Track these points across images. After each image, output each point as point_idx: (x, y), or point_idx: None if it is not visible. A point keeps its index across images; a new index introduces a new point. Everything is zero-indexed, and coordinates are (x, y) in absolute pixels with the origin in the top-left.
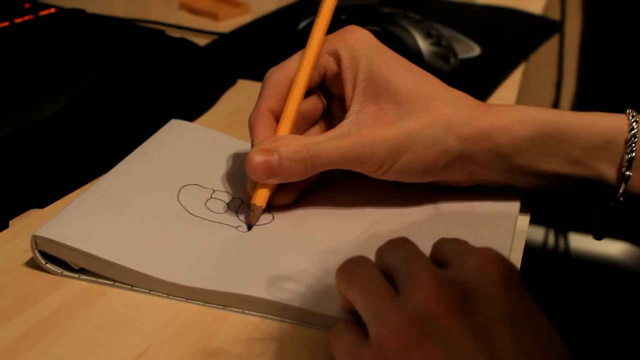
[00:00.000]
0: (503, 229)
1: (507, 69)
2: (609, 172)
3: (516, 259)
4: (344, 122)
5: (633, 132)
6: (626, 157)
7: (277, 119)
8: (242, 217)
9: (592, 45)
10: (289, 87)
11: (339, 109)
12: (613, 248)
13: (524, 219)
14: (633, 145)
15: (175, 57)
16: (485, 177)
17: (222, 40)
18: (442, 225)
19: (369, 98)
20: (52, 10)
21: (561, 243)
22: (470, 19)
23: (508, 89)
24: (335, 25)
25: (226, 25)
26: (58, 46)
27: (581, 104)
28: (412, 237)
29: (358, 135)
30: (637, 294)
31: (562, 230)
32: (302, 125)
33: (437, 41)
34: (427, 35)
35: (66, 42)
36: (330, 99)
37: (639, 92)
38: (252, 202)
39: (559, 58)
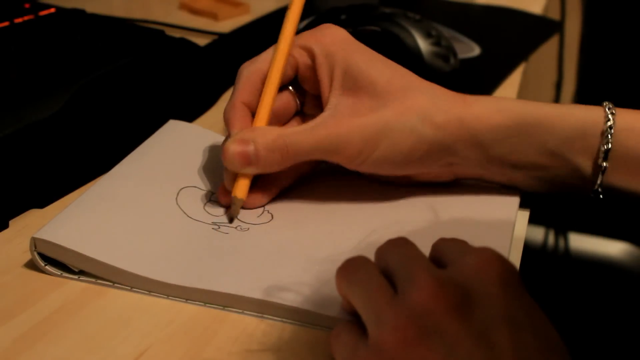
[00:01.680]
0: (502, 229)
1: (507, 69)
2: (586, 163)
3: (515, 259)
4: (321, 115)
5: (609, 123)
6: (602, 148)
7: (252, 112)
8: (241, 217)
9: (592, 45)
10: (263, 81)
11: (312, 108)
12: (613, 248)
13: (523, 219)
14: (609, 136)
15: (175, 57)
16: (464, 169)
17: (222, 40)
18: (441, 226)
19: (346, 92)
20: (52, 10)
21: (561, 243)
22: (470, 19)
23: (508, 89)
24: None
25: (226, 25)
26: (58, 46)
27: (581, 103)
28: (412, 238)
29: (333, 125)
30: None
31: (561, 230)
32: (274, 123)
33: (437, 41)
34: (427, 35)
35: (66, 42)
36: (302, 98)
37: (639, 92)
38: (232, 195)
39: (559, 58)
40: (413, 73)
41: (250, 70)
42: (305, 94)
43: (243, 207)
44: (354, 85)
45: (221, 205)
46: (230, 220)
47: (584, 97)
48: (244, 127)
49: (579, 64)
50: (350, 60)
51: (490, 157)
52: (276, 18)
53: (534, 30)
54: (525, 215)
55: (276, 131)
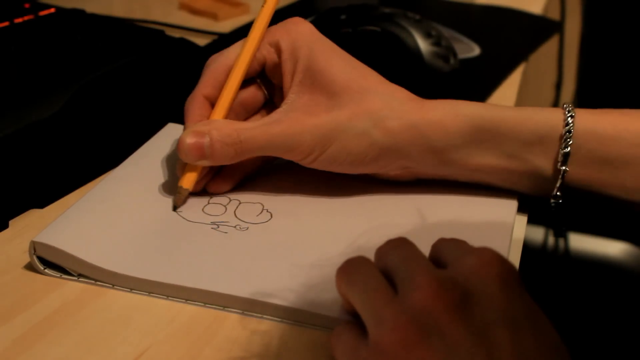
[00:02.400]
0: (500, 231)
1: (507, 69)
2: (545, 166)
3: (514, 259)
4: (276, 110)
5: (567, 127)
6: (561, 152)
7: (213, 104)
8: (240, 217)
9: (592, 45)
10: (227, 74)
11: (280, 99)
12: (613, 248)
13: (521, 223)
14: (568, 140)
15: (175, 57)
16: (422, 171)
17: (222, 40)
18: (440, 228)
19: (304, 89)
20: (52, 10)
21: (560, 243)
22: (470, 19)
23: (508, 89)
24: (335, 24)
25: (226, 25)
26: (58, 46)
27: (581, 104)
28: (412, 239)
29: (287, 123)
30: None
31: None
32: (242, 114)
33: (437, 41)
34: (427, 35)
35: (66, 42)
36: (272, 89)
37: (639, 92)
38: (179, 185)
39: (559, 58)
40: (377, 74)
41: (216, 64)
42: (274, 86)
43: (211, 193)
44: (313, 82)
45: (220, 205)
46: (174, 208)
47: (584, 97)
48: (201, 119)
49: (579, 64)
50: (313, 57)
51: (448, 161)
52: (276, 18)
53: (534, 30)
54: (522, 219)
55: (232, 125)
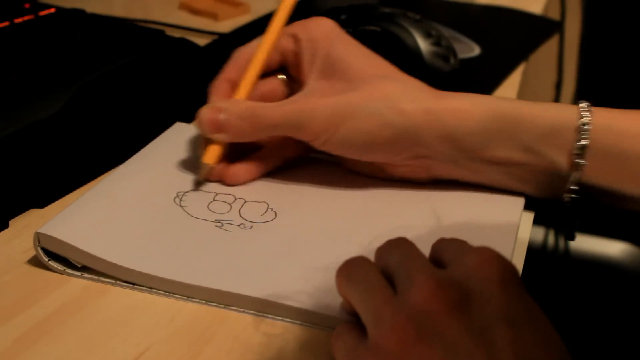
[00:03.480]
0: (505, 231)
1: (507, 69)
2: (560, 160)
3: (518, 261)
4: (295, 94)
5: (582, 120)
6: (576, 144)
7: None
8: (245, 216)
9: (592, 45)
10: (249, 61)
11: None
12: (613, 248)
13: (527, 222)
14: (584, 133)
15: (175, 57)
16: (437, 166)
17: (222, 40)
18: (445, 228)
19: (322, 76)
20: (52, 10)
21: (561, 243)
22: (470, 19)
23: (508, 89)
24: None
25: (226, 25)
26: (58, 46)
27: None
28: (415, 241)
29: (301, 102)
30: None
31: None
32: None
33: (437, 41)
34: (427, 35)
35: (66, 42)
36: (292, 85)
37: (639, 92)
38: (201, 160)
39: (559, 58)
40: (393, 66)
41: (240, 52)
42: (295, 82)
43: (227, 184)
44: (331, 70)
45: (225, 203)
46: (196, 184)
47: (584, 97)
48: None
49: (579, 64)
50: (332, 47)
51: (463, 151)
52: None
53: (534, 30)
54: (529, 217)
55: (248, 103)
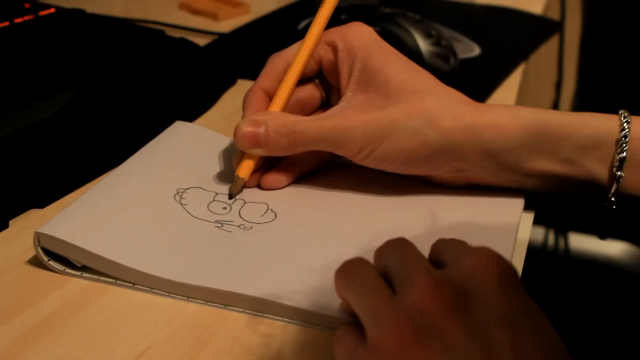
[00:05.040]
0: (505, 231)
1: (507, 69)
2: (601, 172)
3: (518, 261)
4: (332, 108)
5: (624, 132)
6: (617, 157)
7: (272, 98)
8: (244, 216)
9: (592, 45)
10: (286, 70)
11: (336, 100)
12: (613, 248)
13: (527, 222)
14: (624, 145)
15: (175, 57)
16: (476, 176)
17: (222, 40)
18: (444, 229)
19: (360, 88)
20: (52, 10)
21: (561, 243)
22: (470, 19)
23: (508, 89)
24: (335, 24)
25: (226, 25)
26: (58, 46)
27: (581, 104)
28: (415, 241)
29: (341, 118)
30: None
31: (562, 231)
32: (298, 113)
33: (437, 41)
34: (427, 35)
35: (66, 42)
36: (329, 90)
37: (639, 92)
38: (235, 174)
39: (559, 58)
40: (433, 76)
41: (275, 60)
42: (331, 87)
43: (263, 188)
44: (369, 82)
45: (225, 203)
46: (230, 196)
47: (584, 97)
48: (258, 111)
49: (579, 64)
50: (370, 57)
51: (502, 165)
52: (276, 18)
53: (534, 30)
54: (529, 217)
55: (287, 117)
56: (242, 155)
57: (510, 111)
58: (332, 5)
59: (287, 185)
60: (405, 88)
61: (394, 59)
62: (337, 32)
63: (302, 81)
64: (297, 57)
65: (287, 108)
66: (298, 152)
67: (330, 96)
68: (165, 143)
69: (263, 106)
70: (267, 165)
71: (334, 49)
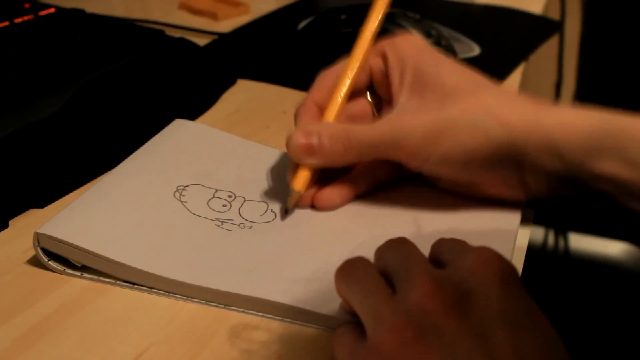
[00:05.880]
0: (504, 231)
1: (507, 69)
2: None
3: (517, 262)
4: (387, 113)
5: None
6: None
7: (323, 112)
8: (244, 215)
9: (592, 45)
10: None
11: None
12: (613, 248)
13: (524, 231)
14: None
15: (175, 57)
16: (537, 180)
17: (222, 40)
18: (442, 234)
19: (414, 94)
20: (52, 10)
21: (561, 243)
22: (470, 19)
23: (508, 89)
24: (335, 24)
25: (226, 25)
26: (58, 46)
27: (581, 104)
28: (412, 239)
29: (397, 121)
30: (637, 294)
31: (562, 230)
32: None
33: (437, 41)
34: (427, 35)
35: (66, 42)
36: (380, 106)
37: (639, 92)
38: (291, 187)
39: (559, 58)
40: (488, 78)
41: (325, 74)
42: (382, 102)
43: (319, 209)
44: (423, 86)
45: (225, 200)
46: (285, 211)
47: (584, 97)
48: (311, 122)
49: (579, 64)
50: (421, 62)
51: (566, 164)
52: (276, 18)
53: (534, 30)
54: (526, 232)
55: (339, 124)
56: (296, 168)
57: (574, 109)
58: (382, 9)
59: (343, 205)
60: (461, 88)
61: (447, 62)
62: (386, 43)
63: (353, 96)
64: (347, 67)
65: (339, 119)
66: (355, 161)
67: (381, 111)
68: (164, 141)
69: (315, 119)
70: (320, 185)
71: (384, 58)
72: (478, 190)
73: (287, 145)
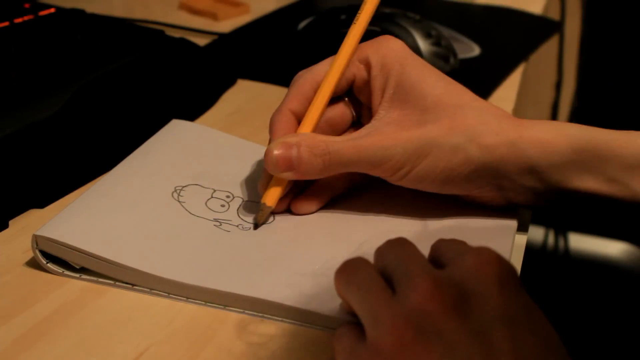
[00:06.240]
0: (503, 232)
1: (506, 69)
2: None
3: (516, 259)
4: (366, 126)
5: None
6: None
7: (299, 120)
8: (243, 216)
9: (592, 45)
10: (315, 90)
11: (368, 119)
12: (613, 248)
13: (521, 236)
14: None
15: (175, 57)
16: (518, 196)
17: (222, 40)
18: (442, 231)
19: (394, 105)
20: (52, 10)
21: (561, 243)
22: (470, 19)
23: (508, 89)
24: (335, 24)
25: (226, 25)
26: (58, 46)
27: (581, 104)
28: (412, 240)
29: (377, 137)
30: (637, 294)
31: (562, 230)
32: (328, 133)
33: (436, 41)
34: (427, 35)
35: (66, 42)
36: (359, 109)
37: (638, 93)
38: (261, 202)
39: (559, 58)
40: (470, 91)
41: (304, 79)
42: (362, 105)
43: (295, 213)
44: (405, 98)
45: (223, 200)
46: (255, 226)
47: (584, 97)
48: (287, 134)
49: (578, 64)
50: (404, 73)
51: (545, 183)
52: (276, 18)
53: (534, 30)
54: (523, 238)
55: (320, 137)
56: (269, 180)
57: (554, 127)
58: (364, 24)
59: (318, 210)
60: (443, 103)
61: (429, 73)
62: (369, 48)
63: (331, 100)
64: (328, 77)
65: (316, 129)
66: (331, 175)
67: (360, 115)
68: (161, 141)
69: (291, 128)
70: (296, 189)
71: (367, 65)
72: (459, 198)
73: (265, 157)
